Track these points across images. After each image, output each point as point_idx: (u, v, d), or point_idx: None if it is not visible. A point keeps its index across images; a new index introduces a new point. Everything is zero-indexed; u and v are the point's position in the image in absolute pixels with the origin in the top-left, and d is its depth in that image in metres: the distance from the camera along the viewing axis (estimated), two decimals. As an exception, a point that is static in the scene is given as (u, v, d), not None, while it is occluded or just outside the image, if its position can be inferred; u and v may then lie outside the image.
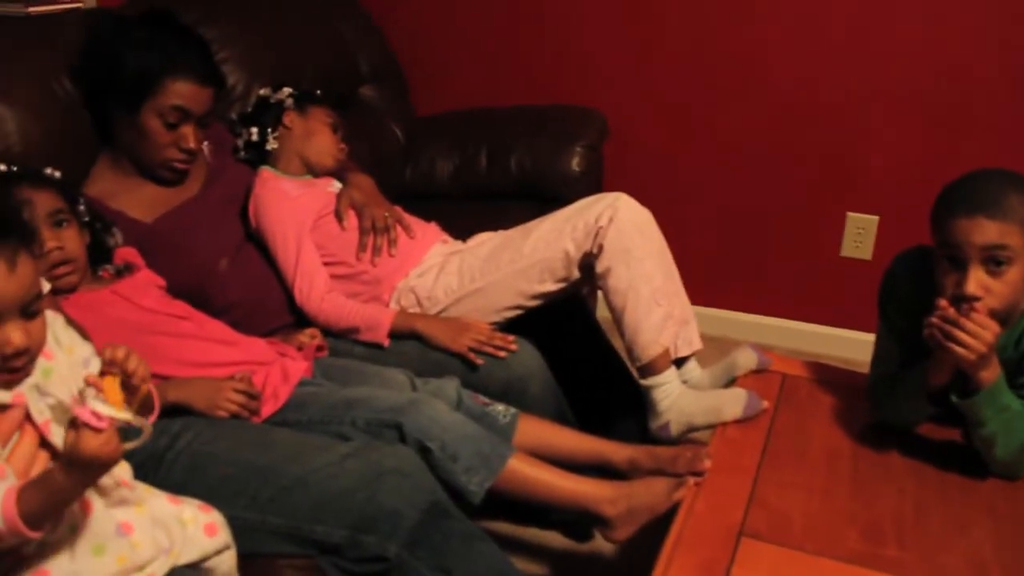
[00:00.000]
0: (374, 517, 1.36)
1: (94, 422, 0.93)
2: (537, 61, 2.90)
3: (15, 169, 1.57)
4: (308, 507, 1.38)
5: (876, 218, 2.71)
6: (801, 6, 2.58)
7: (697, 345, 1.86)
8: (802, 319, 2.89)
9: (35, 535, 0.95)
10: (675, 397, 1.75)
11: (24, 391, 1.03)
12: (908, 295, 1.54)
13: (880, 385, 1.59)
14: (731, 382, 1.80)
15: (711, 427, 1.68)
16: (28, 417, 1.03)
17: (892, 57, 2.54)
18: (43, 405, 1.04)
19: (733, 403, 1.67)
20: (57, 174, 1.60)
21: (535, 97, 2.88)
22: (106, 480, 1.08)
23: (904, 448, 1.55)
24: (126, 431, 0.98)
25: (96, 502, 1.07)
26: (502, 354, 1.81)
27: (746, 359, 1.82)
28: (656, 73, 2.79)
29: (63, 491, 0.95)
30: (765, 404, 1.68)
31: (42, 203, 1.52)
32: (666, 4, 2.71)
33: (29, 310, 1.02)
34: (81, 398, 0.97)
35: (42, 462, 1.03)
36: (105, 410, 0.94)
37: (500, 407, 1.72)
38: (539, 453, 1.63)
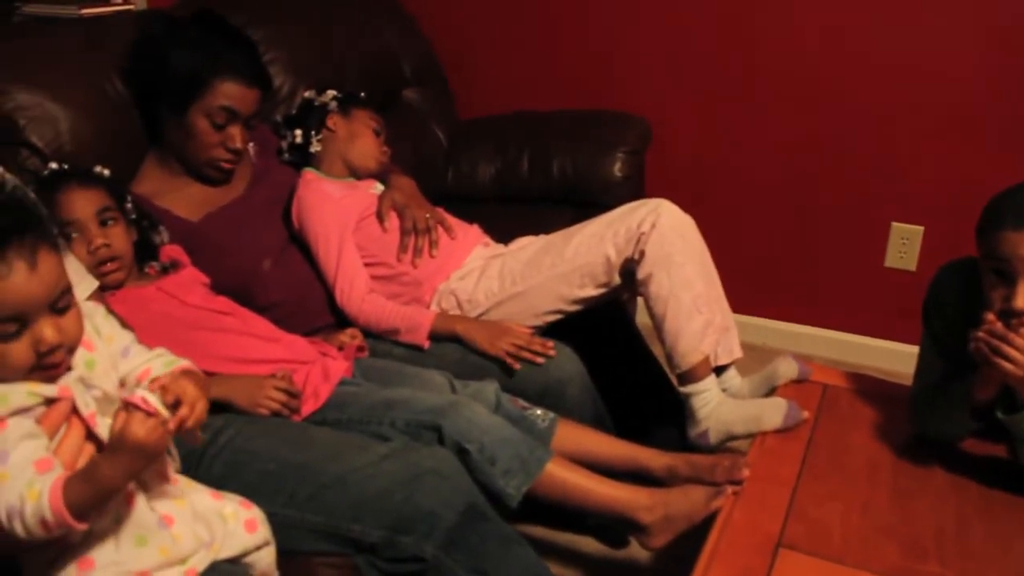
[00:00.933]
0: (411, 518, 1.37)
1: (144, 406, 0.95)
2: (580, 66, 2.90)
3: (66, 167, 1.61)
4: (346, 506, 1.39)
5: (921, 228, 2.67)
6: (845, 15, 2.56)
7: (737, 353, 1.85)
8: (844, 329, 2.87)
9: (81, 526, 0.97)
10: (714, 405, 1.74)
11: (70, 384, 1.04)
12: (953, 307, 1.52)
13: (923, 398, 1.56)
14: (771, 391, 1.79)
15: (750, 436, 1.67)
16: (74, 410, 1.04)
17: (938, 65, 2.51)
18: (89, 397, 1.06)
19: (773, 412, 1.65)
20: (106, 172, 1.63)
21: (577, 102, 2.87)
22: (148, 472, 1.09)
23: (946, 462, 1.53)
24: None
25: (138, 495, 1.08)
26: (540, 360, 1.81)
27: (787, 368, 1.80)
28: (698, 80, 2.78)
29: (108, 479, 0.96)
30: (805, 414, 1.66)
31: (90, 201, 1.56)
32: (709, 12, 2.70)
33: (58, 305, 1.01)
34: (131, 388, 0.98)
35: (88, 454, 1.04)
36: (155, 402, 0.96)
37: (539, 411, 1.72)
38: (576, 458, 1.63)
